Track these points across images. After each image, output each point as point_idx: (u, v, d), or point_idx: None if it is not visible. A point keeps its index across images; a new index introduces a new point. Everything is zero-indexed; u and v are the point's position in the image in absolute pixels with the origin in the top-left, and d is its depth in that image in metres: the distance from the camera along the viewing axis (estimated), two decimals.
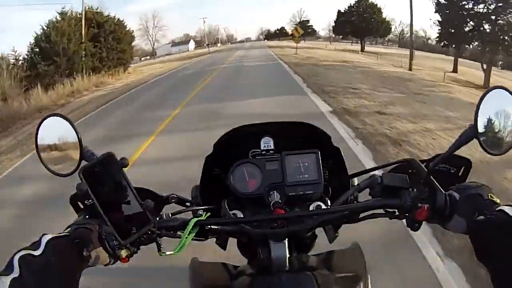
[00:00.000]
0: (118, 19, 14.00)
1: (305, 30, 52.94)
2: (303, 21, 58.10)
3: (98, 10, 13.39)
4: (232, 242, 0.50)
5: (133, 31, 15.67)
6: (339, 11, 29.39)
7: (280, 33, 73.48)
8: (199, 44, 65.92)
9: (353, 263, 0.53)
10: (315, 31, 60.46)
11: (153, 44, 45.10)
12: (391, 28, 31.75)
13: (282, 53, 16.56)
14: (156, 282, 1.37)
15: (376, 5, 27.77)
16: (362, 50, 24.63)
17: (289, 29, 67.31)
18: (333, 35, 50.47)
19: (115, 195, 0.38)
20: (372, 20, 27.23)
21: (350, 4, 28.03)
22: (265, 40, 78.98)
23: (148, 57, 45.82)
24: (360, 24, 26.83)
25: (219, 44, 67.04)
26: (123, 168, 0.38)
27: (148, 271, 1.38)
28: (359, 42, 28.34)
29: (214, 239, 0.47)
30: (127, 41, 14.47)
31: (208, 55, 24.26)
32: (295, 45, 16.38)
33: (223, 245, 0.50)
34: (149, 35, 43.10)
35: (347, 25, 28.24)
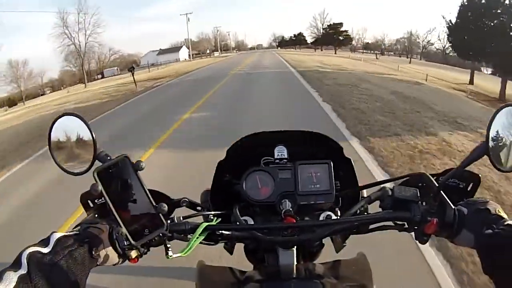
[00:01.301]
0: None
1: (336, 36, 54.77)
2: (332, 24, 58.79)
3: None
4: (238, 247, 0.63)
5: None
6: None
7: (297, 40, 77.35)
8: (200, 52, 70.31)
9: (359, 273, 0.66)
10: (351, 38, 61.21)
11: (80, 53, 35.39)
12: None
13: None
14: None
15: None
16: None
17: (308, 35, 70.47)
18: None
19: (128, 196, 0.48)
20: None
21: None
22: (278, 48, 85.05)
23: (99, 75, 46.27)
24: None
25: (216, 53, 70.34)
26: (138, 171, 0.49)
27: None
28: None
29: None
30: None
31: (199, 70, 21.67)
32: (322, 57, 18.15)
33: (230, 250, 0.62)
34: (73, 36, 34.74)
35: None
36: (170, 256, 0.52)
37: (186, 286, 1.62)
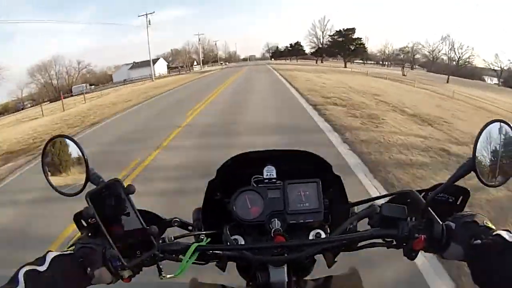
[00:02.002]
0: None
1: (346, 45, 52.89)
2: (343, 31, 56.49)
3: None
4: (231, 263, 0.73)
5: None
6: None
7: (294, 50, 78.23)
8: (180, 65, 70.47)
9: None
10: (365, 47, 59.61)
11: None
12: None
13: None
14: None
15: None
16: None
17: (306, 44, 70.52)
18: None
19: (120, 218, 0.58)
20: None
21: None
22: (272, 59, 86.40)
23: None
24: None
25: (197, 67, 69.44)
26: (130, 195, 0.59)
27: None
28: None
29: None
30: None
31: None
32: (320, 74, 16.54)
33: (222, 267, 0.72)
34: None
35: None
36: (163, 277, 0.62)
37: None
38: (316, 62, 61.43)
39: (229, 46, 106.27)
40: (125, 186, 0.59)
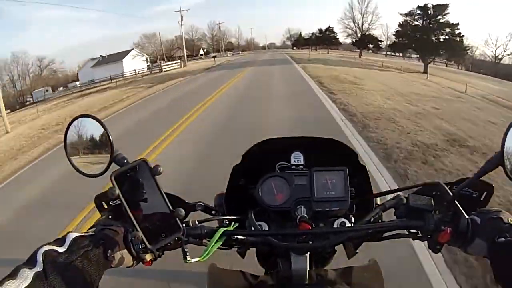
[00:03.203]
0: None
1: (436, 36, 32.35)
2: (433, 10, 34.79)
3: None
4: (250, 250, 0.91)
5: None
6: None
7: (324, 37, 75.69)
8: (171, 57, 68.50)
9: (371, 281, 0.96)
10: (462, 39, 35.59)
11: None
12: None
13: None
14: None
15: None
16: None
17: (341, 29, 68.78)
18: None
19: (145, 200, 0.71)
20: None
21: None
22: (294, 48, 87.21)
23: None
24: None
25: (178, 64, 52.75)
26: (156, 176, 0.71)
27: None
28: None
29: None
30: None
31: None
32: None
33: (242, 254, 0.91)
34: None
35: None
36: (188, 260, 0.76)
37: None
38: (360, 56, 56.27)
39: (244, 32, 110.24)
40: (152, 167, 0.72)
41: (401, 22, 41.78)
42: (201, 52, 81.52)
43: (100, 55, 64.13)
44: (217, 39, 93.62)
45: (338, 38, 74.68)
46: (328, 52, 67.56)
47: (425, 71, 32.85)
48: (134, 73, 48.23)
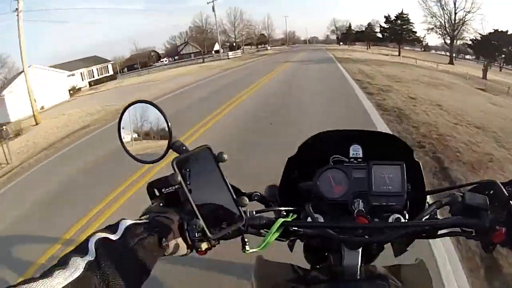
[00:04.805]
0: None
1: None
2: None
3: None
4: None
5: None
6: None
7: (392, 30, 53.78)
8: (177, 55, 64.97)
9: (420, 280, 0.95)
10: None
11: None
12: None
13: None
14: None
15: None
16: None
17: (423, 15, 45.44)
18: None
19: (206, 188, 0.70)
20: None
21: None
22: (340, 44, 74.89)
23: None
24: None
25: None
26: (220, 163, 0.70)
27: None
28: None
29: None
30: None
31: None
32: None
33: (291, 246, 0.92)
34: None
35: None
36: (247, 250, 0.77)
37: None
38: (452, 61, 40.11)
39: (275, 23, 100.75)
40: (216, 154, 0.71)
41: None
42: (216, 47, 68.34)
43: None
44: (244, 31, 77.42)
45: (415, 32, 52.33)
46: (399, 54, 44.85)
47: None
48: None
